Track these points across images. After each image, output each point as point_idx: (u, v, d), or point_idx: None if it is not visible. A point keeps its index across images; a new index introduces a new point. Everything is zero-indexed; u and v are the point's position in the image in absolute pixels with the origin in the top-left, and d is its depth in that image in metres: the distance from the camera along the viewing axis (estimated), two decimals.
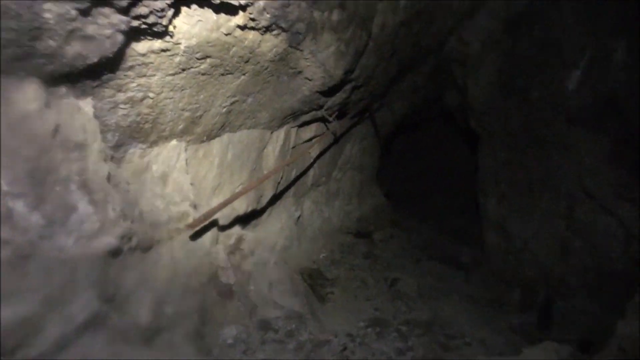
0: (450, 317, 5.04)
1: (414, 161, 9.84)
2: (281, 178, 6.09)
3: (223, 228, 4.25)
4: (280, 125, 5.44)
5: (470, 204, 8.29)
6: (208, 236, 3.66)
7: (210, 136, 4.03)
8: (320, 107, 5.57)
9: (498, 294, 5.92)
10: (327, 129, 6.15)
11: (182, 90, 3.08)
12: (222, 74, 3.37)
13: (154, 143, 3.26)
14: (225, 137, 4.38)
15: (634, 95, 4.68)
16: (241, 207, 4.98)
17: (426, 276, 6.22)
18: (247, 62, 3.47)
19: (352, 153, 7.94)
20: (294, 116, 5.46)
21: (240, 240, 3.89)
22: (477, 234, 7.51)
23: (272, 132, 5.44)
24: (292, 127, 5.90)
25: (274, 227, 6.27)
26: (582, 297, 5.55)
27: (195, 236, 3.52)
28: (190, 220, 3.37)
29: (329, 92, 5.05)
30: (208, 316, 3.37)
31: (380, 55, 5.38)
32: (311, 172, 6.98)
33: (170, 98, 3.02)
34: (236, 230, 4.24)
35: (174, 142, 3.47)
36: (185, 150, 3.67)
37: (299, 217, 6.85)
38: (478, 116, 6.45)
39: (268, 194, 5.86)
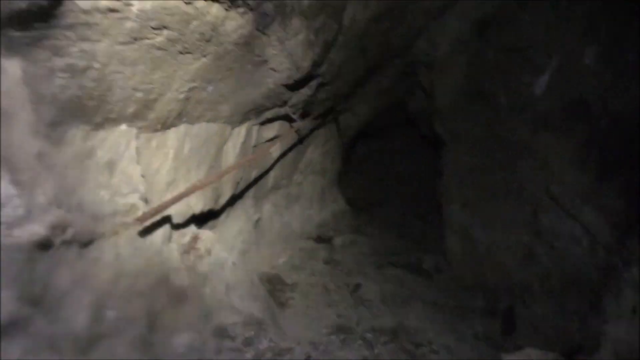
0: (416, 324, 4.77)
1: (376, 167, 9.63)
2: (240, 178, 5.71)
3: (177, 226, 3.84)
4: (241, 121, 5.07)
5: (432, 211, 8.11)
6: (160, 233, 3.26)
7: (165, 125, 3.63)
8: (285, 103, 5.24)
9: (461, 301, 5.69)
10: (291, 127, 5.82)
11: (134, 65, 2.69)
12: (181, 52, 2.99)
13: (100, 125, 2.85)
14: (182, 128, 3.99)
15: (602, 100, 4.56)
16: (197, 205, 4.57)
17: (388, 282, 5.94)
18: (208, 41, 3.11)
19: (314, 156, 7.63)
20: (256, 112, 5.11)
21: (195, 239, 3.50)
22: (440, 240, 7.31)
23: (233, 128, 5.07)
24: (254, 125, 5.54)
25: (232, 229, 5.88)
26: (544, 303, 5.38)
27: (145, 233, 3.11)
28: (139, 214, 2.96)
29: (294, 86, 4.73)
30: (157, 322, 2.96)
31: (349, 51, 5.11)
32: (272, 174, 6.63)
33: (120, 73, 2.63)
34: (192, 229, 3.84)
35: (123, 126, 3.07)
36: (137, 137, 3.27)
37: (258, 220, 6.48)
38: (443, 120, 6.27)
39: (226, 194, 5.46)
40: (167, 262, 3.23)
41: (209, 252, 3.46)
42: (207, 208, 4.85)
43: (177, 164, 4.01)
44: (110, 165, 2.96)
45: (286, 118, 5.85)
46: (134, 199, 3.02)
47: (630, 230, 4.48)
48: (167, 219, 3.45)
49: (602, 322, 4.93)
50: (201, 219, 4.83)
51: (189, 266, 3.32)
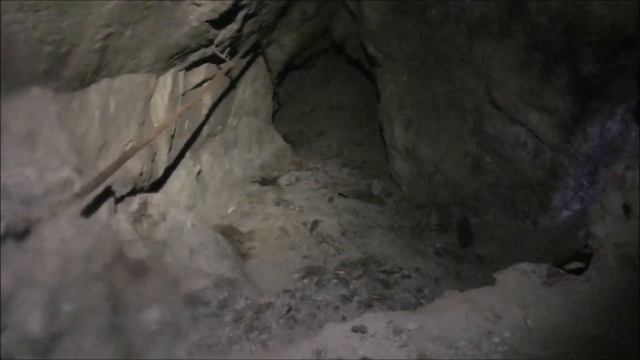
0: (380, 252, 4.70)
1: (309, 99, 9.26)
2: (174, 131, 5.23)
3: (120, 195, 3.41)
4: (166, 68, 4.55)
5: (372, 135, 7.98)
6: (104, 207, 2.85)
7: (84, 82, 3.11)
8: (210, 42, 4.74)
9: (416, 220, 5.68)
10: (220, 69, 5.32)
11: (36, 11, 2.18)
12: None
13: (7, 92, 2.34)
14: (104, 83, 3.47)
15: None
16: (135, 167, 4.11)
17: (343, 214, 5.81)
18: None
19: (245, 97, 7.17)
20: (181, 56, 4.59)
21: (144, 205, 3.11)
22: (385, 164, 7.23)
23: (157, 77, 4.54)
24: (180, 70, 5.01)
25: (174, 186, 5.46)
26: (496, 211, 5.47)
27: (89, 210, 2.69)
28: (77, 188, 2.53)
29: (220, 21, 4.24)
30: (121, 302, 2.62)
31: None
32: (205, 121, 6.16)
33: (21, 23, 2.11)
34: (138, 194, 3.42)
35: (36, 89, 2.56)
36: (55, 100, 2.76)
37: (199, 172, 6.06)
38: (375, 40, 5.97)
39: (162, 151, 4.98)
40: (119, 235, 2.85)
41: (163, 216, 3.09)
42: (145, 168, 4.39)
43: (105, 125, 3.52)
44: (31, 137, 2.48)
45: (213, 59, 5.34)
46: (66, 172, 2.57)
47: (575, 129, 4.51)
48: (107, 190, 3.03)
49: (551, 218, 5.09)
50: (142, 182, 4.39)
51: (144, 236, 2.95)
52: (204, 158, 6.37)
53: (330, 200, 6.43)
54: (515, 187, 5.25)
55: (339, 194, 6.67)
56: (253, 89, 7.33)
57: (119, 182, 3.59)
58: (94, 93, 3.32)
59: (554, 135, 4.66)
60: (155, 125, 4.83)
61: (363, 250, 4.68)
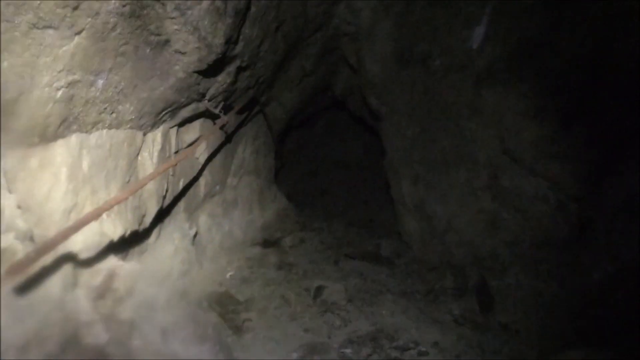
0: (392, 322, 4.06)
1: (312, 157, 8.86)
2: (166, 191, 4.75)
3: (88, 263, 2.88)
4: (154, 125, 4.12)
5: (378, 193, 7.47)
6: (57, 280, 2.31)
7: (46, 136, 2.66)
8: (202, 96, 4.35)
9: (430, 284, 5.05)
10: (214, 124, 4.92)
11: None
12: (36, 27, 2.06)
13: None
14: (75, 139, 3.01)
15: (550, 41, 4.03)
16: (115, 231, 3.59)
17: (350, 278, 5.21)
18: (76, 9, 2.19)
19: (246, 155, 6.75)
20: (171, 111, 4.18)
21: (111, 276, 2.57)
22: (392, 223, 6.68)
23: (145, 134, 4.11)
24: (172, 127, 4.60)
25: (166, 250, 4.92)
26: (517, 272, 4.85)
27: (35, 283, 2.15)
28: (17, 260, 2.00)
29: (209, 71, 3.85)
30: None
31: (264, 26, 4.28)
32: (202, 181, 5.70)
33: None
34: (108, 263, 2.88)
35: None
36: (1, 156, 2.30)
37: (195, 235, 5.53)
38: (378, 93, 5.59)
39: (152, 211, 4.48)
40: (74, 315, 2.29)
41: (130, 291, 2.53)
42: (129, 232, 3.88)
43: (75, 185, 3.03)
44: None
45: (208, 115, 4.95)
46: (6, 240, 2.06)
47: (604, 178, 3.98)
48: (68, 258, 2.50)
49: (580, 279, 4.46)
50: (123, 247, 3.87)
51: (106, 315, 2.39)
52: (201, 220, 5.87)
53: (336, 262, 5.85)
54: (537, 245, 4.66)
55: (346, 255, 6.09)
56: (254, 148, 6.93)
57: (88, 249, 3.08)
58: (61, 149, 2.86)
59: (579, 186, 4.13)
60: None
61: (372, 320, 4.05)
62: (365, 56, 5.41)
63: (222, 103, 4.74)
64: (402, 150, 5.71)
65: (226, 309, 4.41)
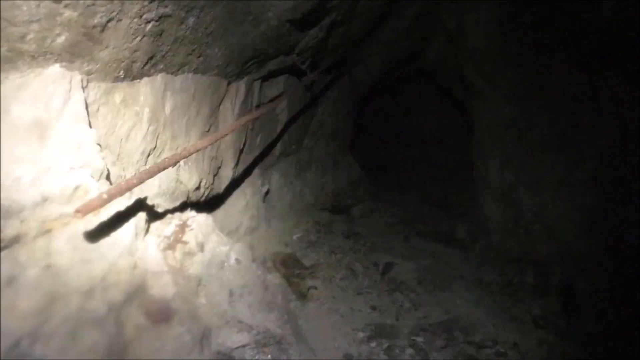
0: (466, 312, 3.70)
1: (390, 127, 8.43)
2: (244, 145, 4.58)
3: (160, 210, 2.72)
4: (240, 74, 3.90)
5: (458, 172, 6.97)
6: (129, 226, 2.14)
7: (131, 72, 2.47)
8: (291, 49, 4.06)
9: (508, 277, 4.61)
10: (299, 81, 4.64)
11: None
12: None
13: (9, 62, 1.70)
14: (160, 79, 2.83)
15: None
16: (191, 179, 3.46)
17: (421, 257, 4.86)
18: None
19: (325, 118, 6.47)
20: (257, 62, 3.93)
21: (183, 227, 2.38)
22: (470, 205, 6.21)
23: (229, 83, 3.90)
24: (256, 80, 4.37)
25: (237, 205, 4.79)
26: (612, 279, 4.29)
27: (103, 229, 1.99)
28: (88, 200, 1.83)
29: (303, 22, 3.54)
30: (128, 358, 1.87)
31: None
32: (279, 139, 5.49)
33: None
34: (181, 213, 2.71)
35: (55, 67, 1.92)
36: (84, 87, 2.12)
37: (266, 193, 5.38)
38: (477, 64, 5.05)
39: (228, 164, 4.34)
40: (142, 264, 2.12)
41: (201, 246, 2.34)
42: (204, 182, 3.74)
43: (156, 127, 2.87)
44: (39, 128, 1.83)
45: (293, 71, 4.68)
46: (79, 177, 1.89)
47: None
48: (142, 203, 2.33)
49: None
50: (196, 198, 3.73)
51: (174, 268, 2.21)
52: (274, 178, 5.69)
53: (406, 239, 5.51)
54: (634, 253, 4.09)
55: (417, 232, 5.74)
56: (334, 110, 6.62)
57: (161, 196, 2.93)
58: (146, 88, 2.68)
59: None
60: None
61: (445, 307, 3.71)
62: (468, 22, 4.88)
63: (310, 60, 4.43)
64: (494, 130, 5.18)
65: (291, 272, 4.22)
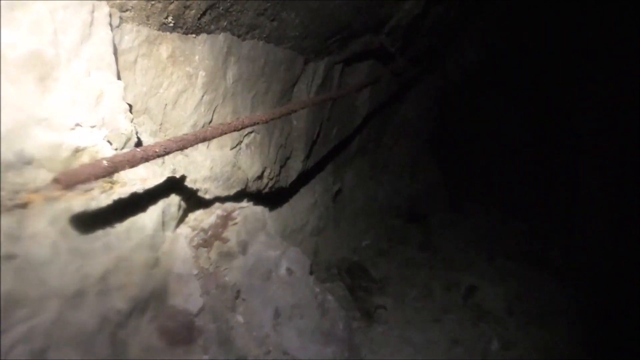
0: (570, 354, 2.84)
1: (478, 130, 7.47)
2: (317, 136, 3.97)
3: (206, 200, 2.15)
4: (319, 53, 3.29)
5: (555, 185, 5.95)
6: (155, 211, 1.58)
7: (184, 21, 1.92)
8: (381, 26, 3.39)
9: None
10: (389, 70, 3.95)
11: None
12: None
13: None
14: (222, 39, 2.26)
15: None
16: (252, 166, 2.89)
17: (509, 282, 4.02)
18: None
19: (408, 115, 5.72)
20: (340, 40, 3.30)
21: (226, 220, 1.78)
22: (565, 223, 5.22)
23: (307, 62, 3.30)
24: (337, 63, 3.74)
25: (304, 202, 4.20)
26: None
27: (119, 210, 1.43)
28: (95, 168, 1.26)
29: None
30: None
31: None
32: (357, 134, 4.84)
33: None
34: (231, 204, 2.11)
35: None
36: (115, 25, 1.59)
37: (338, 192, 4.75)
38: None
39: (298, 155, 3.74)
40: (166, 263, 1.55)
41: (244, 246, 1.73)
42: (268, 171, 3.17)
43: (214, 97, 2.31)
44: (40, 67, 1.30)
45: (379, 57, 4.01)
46: (89, 138, 1.34)
47: None
48: (176, 184, 1.77)
49: None
50: (258, 190, 3.17)
51: (207, 272, 1.62)
52: (347, 177, 5.05)
53: (491, 259, 4.67)
54: None
55: (504, 252, 4.86)
56: (418, 109, 5.85)
57: (214, 181, 2.36)
58: (203, 47, 2.12)
59: None
60: (295, 122, 3.63)
61: (542, 346, 2.89)
62: None
63: (400, 43, 3.74)
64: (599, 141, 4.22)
65: (357, 284, 3.56)
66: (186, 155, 2.20)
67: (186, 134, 1.45)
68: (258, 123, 1.87)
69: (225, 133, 1.65)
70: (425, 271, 4.06)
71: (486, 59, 5.53)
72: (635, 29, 3.83)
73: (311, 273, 1.83)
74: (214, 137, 1.58)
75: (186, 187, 1.93)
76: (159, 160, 1.91)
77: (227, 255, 1.65)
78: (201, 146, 2.34)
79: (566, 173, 5.08)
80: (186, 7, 1.85)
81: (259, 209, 1.92)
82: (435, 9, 3.58)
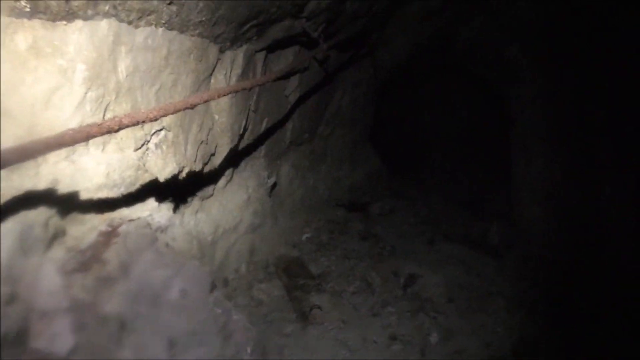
0: (512, 344, 2.74)
1: (413, 119, 7.41)
2: (244, 129, 3.67)
3: (93, 214, 1.83)
4: (235, 40, 2.99)
5: (489, 169, 5.96)
6: (9, 234, 1.26)
7: (48, 7, 1.58)
8: (299, 10, 3.13)
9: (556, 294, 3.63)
10: (314, 56, 3.70)
11: None
12: None
13: None
14: (106, 26, 1.93)
15: None
16: (164, 167, 2.57)
17: (449, 266, 3.92)
18: None
19: (342, 104, 5.52)
20: (257, 26, 3.01)
21: (109, 238, 1.48)
22: (503, 206, 5.21)
23: (222, 51, 3.00)
24: (259, 51, 3.45)
25: (237, 199, 3.92)
26: None
27: None
28: None
29: None
30: None
31: None
32: (290, 125, 4.58)
33: None
34: (121, 217, 1.79)
35: None
36: None
37: (274, 186, 4.49)
38: (524, 39, 4.02)
39: (223, 150, 3.42)
40: (27, 296, 1.25)
41: (125, 268, 1.43)
42: (186, 171, 2.86)
43: (101, 93, 1.97)
44: None
45: (305, 44, 3.75)
46: None
47: None
48: (46, 196, 1.45)
49: None
50: (177, 190, 2.86)
51: (81, 302, 1.32)
52: (283, 170, 4.80)
53: (432, 242, 4.57)
54: None
55: (443, 235, 4.77)
56: (353, 96, 5.66)
57: (113, 188, 2.04)
58: (79, 36, 1.79)
59: None
60: (216, 117, 3.32)
61: (484, 338, 2.76)
62: None
63: (323, 26, 3.50)
64: (539, 120, 4.18)
65: (295, 282, 3.33)
66: (72, 162, 1.87)
67: (64, 133, 1.14)
68: (166, 115, 1.56)
69: (129, 125, 1.34)
70: (366, 262, 3.88)
71: (418, 47, 5.40)
72: None
73: (212, 290, 1.56)
74: (108, 131, 1.27)
75: (68, 200, 1.62)
76: (31, 171, 1.59)
77: (107, 281, 1.36)
78: (94, 149, 2.01)
79: (498, 158, 5.04)
80: None
81: (150, 220, 1.63)
82: None
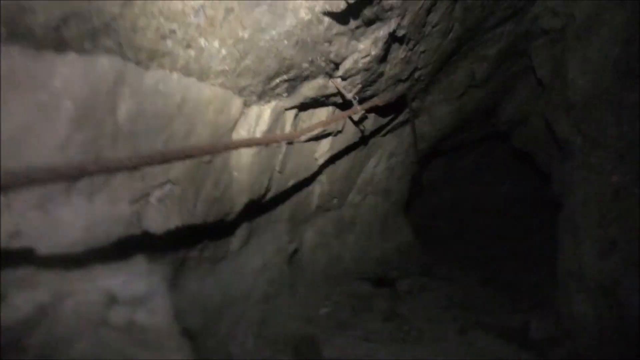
0: None
1: (453, 192, 6.97)
2: (266, 189, 3.36)
3: (59, 267, 1.51)
4: (262, 95, 2.75)
5: (532, 252, 5.38)
6: None
7: (32, 33, 1.35)
8: (334, 67, 2.88)
9: None
10: (349, 116, 3.42)
11: None
12: None
13: None
14: (108, 62, 1.69)
15: None
16: (165, 224, 2.27)
17: None
18: None
19: (377, 171, 5.19)
20: (288, 81, 2.77)
21: (44, 313, 1.14)
22: (547, 295, 4.58)
23: (247, 105, 2.75)
24: (288, 109, 3.20)
25: (252, 264, 3.55)
26: None
27: None
28: None
29: (347, 18, 2.37)
30: None
31: None
32: (317, 189, 4.26)
33: None
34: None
35: None
36: None
37: (294, 252, 4.10)
38: (577, 116, 3.64)
39: (238, 210, 3.10)
40: None
41: None
42: (194, 231, 2.55)
43: (92, 136, 1.71)
44: None
45: (339, 104, 3.49)
46: None
47: None
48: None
49: None
50: (185, 252, 2.54)
51: None
52: (307, 236, 4.43)
53: (463, 331, 3.99)
54: None
55: (477, 323, 4.18)
56: (389, 164, 5.33)
57: (90, 245, 1.72)
58: (72, 70, 1.56)
59: None
60: (235, 174, 3.03)
61: None
62: (570, 62, 3.52)
63: (359, 88, 3.24)
64: (592, 203, 3.68)
65: None
66: (45, 212, 1.58)
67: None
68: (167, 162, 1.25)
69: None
70: (387, 347, 3.37)
71: (460, 116, 5.10)
72: None
73: None
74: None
75: (24, 259, 1.30)
76: None
77: None
78: (77, 198, 1.73)
79: (543, 240, 4.51)
80: (27, 11, 1.29)
81: (119, 289, 1.28)
82: (398, 52, 3.10)
